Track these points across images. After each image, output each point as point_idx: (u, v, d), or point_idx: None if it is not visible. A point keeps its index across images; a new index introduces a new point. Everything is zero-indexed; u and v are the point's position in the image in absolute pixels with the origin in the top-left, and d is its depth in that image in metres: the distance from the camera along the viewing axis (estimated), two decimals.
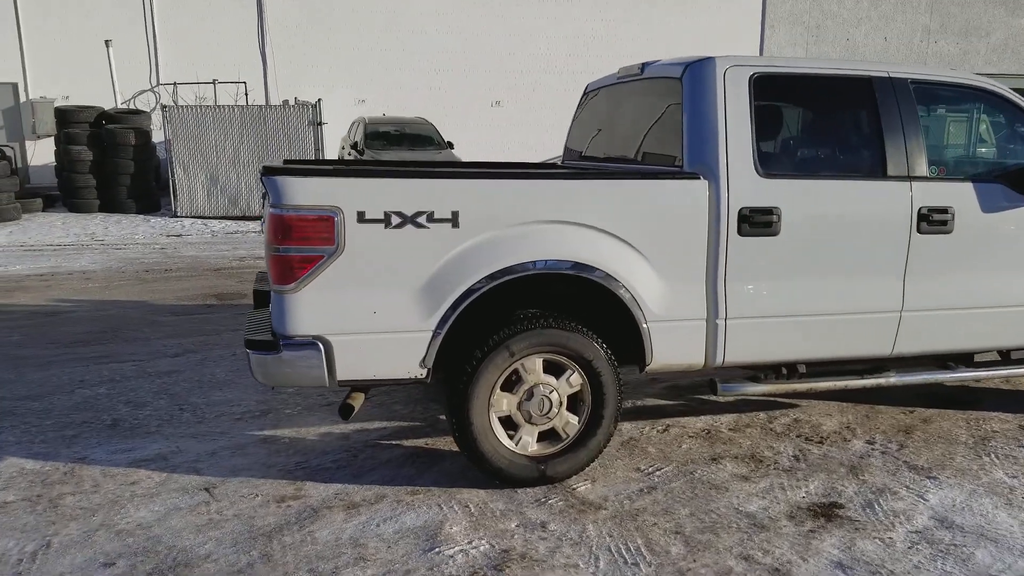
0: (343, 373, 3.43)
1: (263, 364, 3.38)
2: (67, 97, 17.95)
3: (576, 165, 5.06)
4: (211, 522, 3.43)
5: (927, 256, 4.01)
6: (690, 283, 3.75)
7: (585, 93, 5.23)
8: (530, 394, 3.65)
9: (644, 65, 4.34)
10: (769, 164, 3.84)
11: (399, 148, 15.03)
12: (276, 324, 3.38)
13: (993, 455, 4.14)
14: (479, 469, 3.67)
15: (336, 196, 3.29)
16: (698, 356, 3.84)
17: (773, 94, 3.98)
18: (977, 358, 4.50)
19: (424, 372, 3.49)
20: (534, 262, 3.48)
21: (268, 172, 3.32)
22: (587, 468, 3.84)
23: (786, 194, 3.80)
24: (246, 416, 4.72)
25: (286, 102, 16.56)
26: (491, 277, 3.44)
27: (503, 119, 20.98)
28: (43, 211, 15.24)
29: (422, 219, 3.36)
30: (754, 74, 3.84)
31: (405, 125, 16.04)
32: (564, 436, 3.75)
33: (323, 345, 3.35)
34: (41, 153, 17.81)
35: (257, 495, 3.69)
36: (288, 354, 3.34)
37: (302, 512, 3.52)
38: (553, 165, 5.90)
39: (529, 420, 3.68)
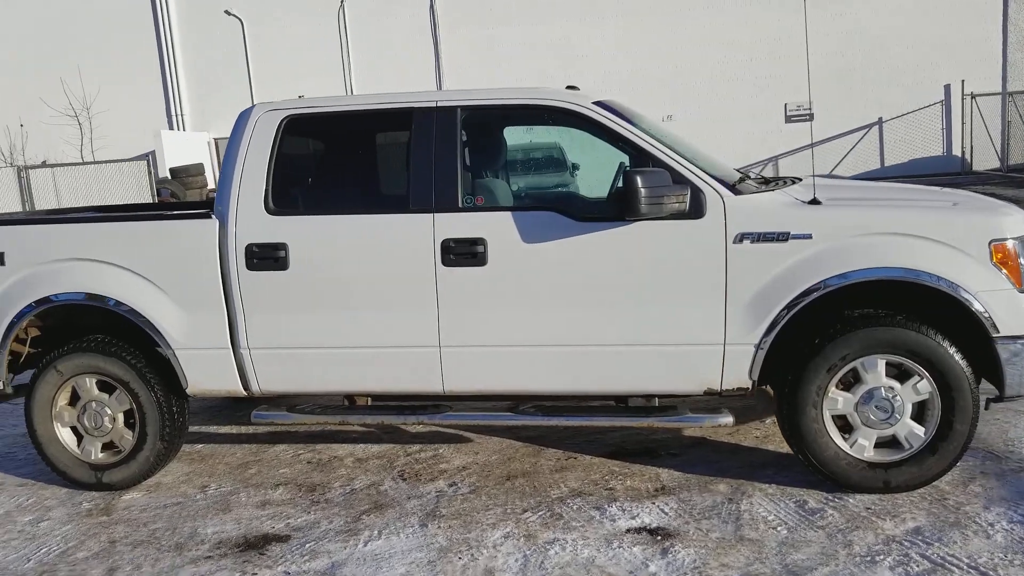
0: None
1: None
2: None
3: None
4: None
5: (459, 290, 3.82)
6: (210, 314, 4.03)
7: None
8: (84, 409, 4.21)
9: None
10: (282, 203, 3.98)
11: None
12: None
13: (548, 512, 3.74)
14: (51, 470, 4.31)
15: None
16: (234, 383, 4.10)
17: (305, 135, 4.12)
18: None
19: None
20: (55, 295, 4.07)
21: None
22: (150, 478, 4.29)
23: (295, 231, 3.92)
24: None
25: None
26: (33, 305, 4.10)
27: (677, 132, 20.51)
28: None
29: None
30: (287, 117, 4.02)
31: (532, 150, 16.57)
32: (122, 449, 4.24)
33: None
34: None
35: None
36: None
37: None
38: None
39: (88, 432, 4.23)
